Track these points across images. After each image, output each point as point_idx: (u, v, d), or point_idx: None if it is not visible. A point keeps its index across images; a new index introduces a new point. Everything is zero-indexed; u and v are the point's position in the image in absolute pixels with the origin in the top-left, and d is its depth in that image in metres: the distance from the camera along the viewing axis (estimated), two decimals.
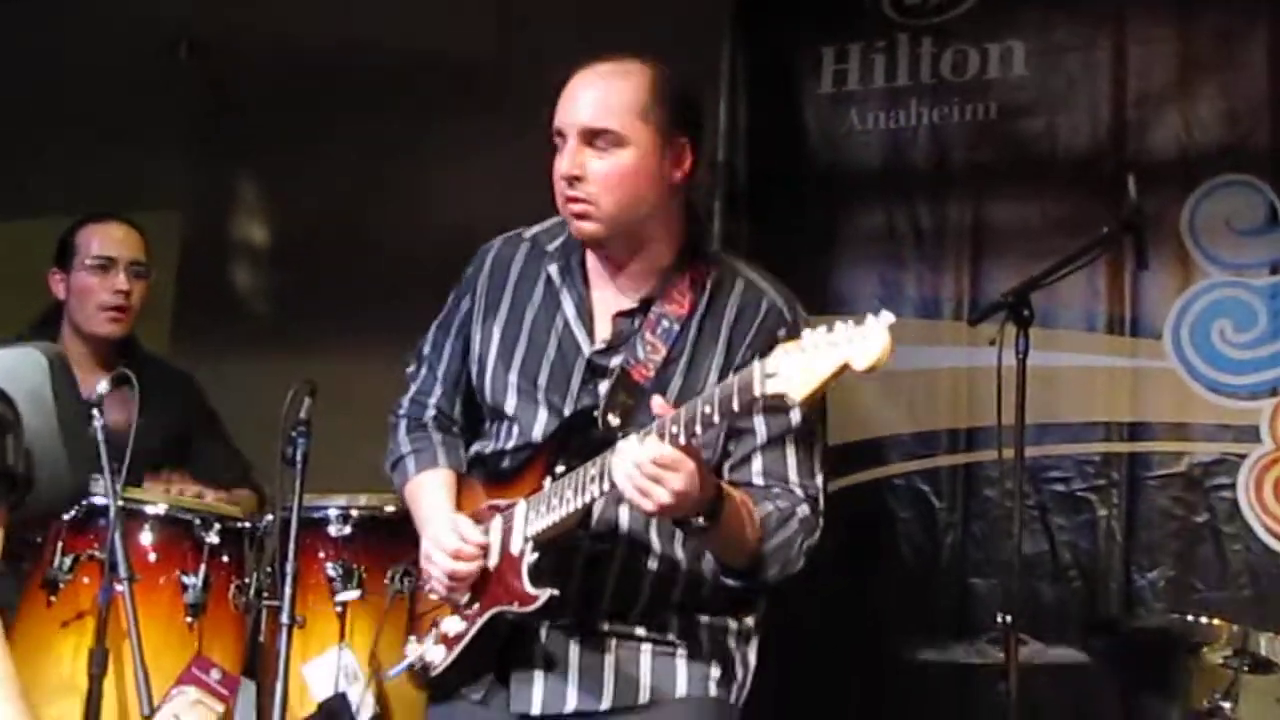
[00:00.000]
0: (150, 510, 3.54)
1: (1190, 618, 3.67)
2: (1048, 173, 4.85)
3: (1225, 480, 4.55)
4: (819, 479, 2.75)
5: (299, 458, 3.35)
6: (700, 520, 2.54)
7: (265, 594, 3.50)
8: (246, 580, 3.58)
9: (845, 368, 2.27)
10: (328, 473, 3.64)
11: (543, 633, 2.73)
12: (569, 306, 2.79)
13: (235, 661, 3.55)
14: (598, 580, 2.72)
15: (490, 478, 2.84)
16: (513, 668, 2.74)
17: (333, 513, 3.60)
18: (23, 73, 5.65)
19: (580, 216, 2.69)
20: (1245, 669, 3.32)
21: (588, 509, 2.62)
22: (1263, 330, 4.57)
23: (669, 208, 2.73)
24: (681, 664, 2.74)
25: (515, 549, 2.68)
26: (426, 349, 3.00)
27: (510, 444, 2.81)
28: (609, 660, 2.72)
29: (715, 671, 2.76)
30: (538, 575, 2.63)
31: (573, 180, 2.67)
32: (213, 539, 3.50)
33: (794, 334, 2.61)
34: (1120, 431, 4.68)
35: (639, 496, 2.47)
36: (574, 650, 2.72)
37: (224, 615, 3.53)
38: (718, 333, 2.72)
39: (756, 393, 2.35)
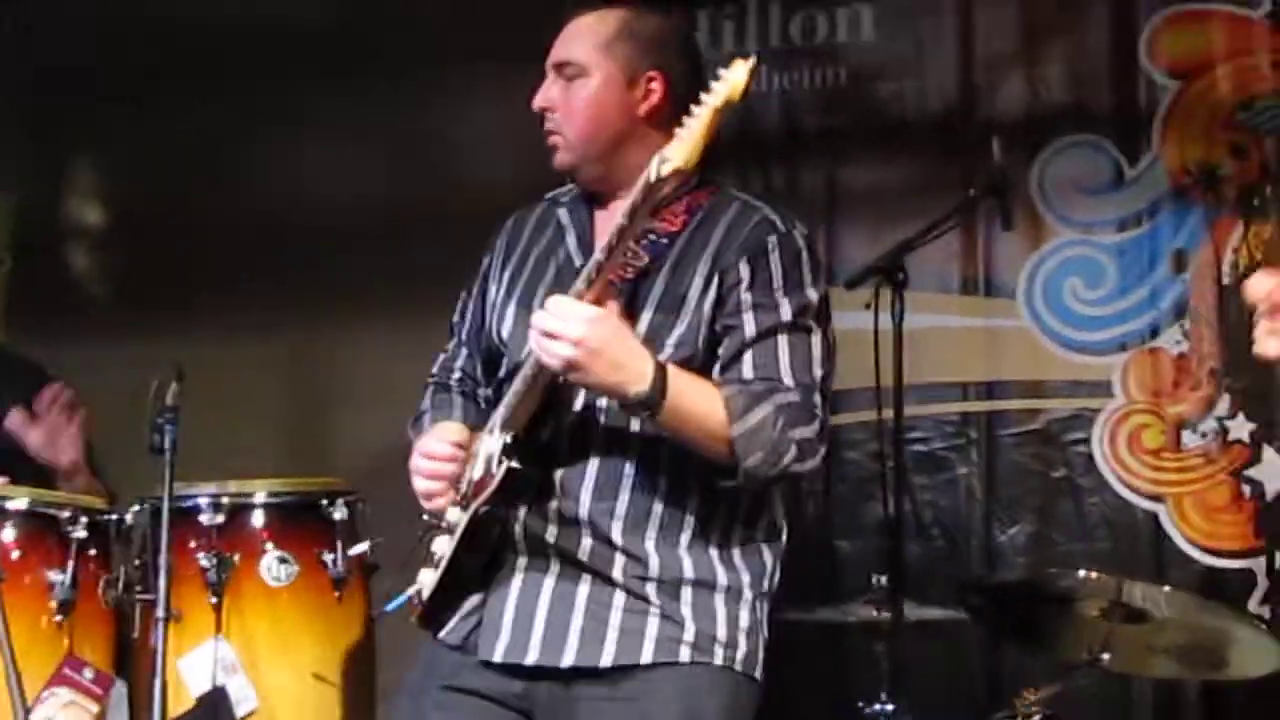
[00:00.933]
0: (11, 506, 3.39)
1: (1065, 571, 3.73)
2: (899, 137, 4.90)
3: (1080, 435, 4.66)
4: (817, 371, 2.66)
5: (167, 445, 3.25)
6: (636, 390, 2.50)
7: (136, 588, 3.40)
8: (115, 575, 3.46)
9: (715, 112, 2.40)
10: (184, 460, 3.56)
11: (520, 566, 2.69)
12: (571, 239, 2.83)
13: (107, 659, 3.43)
14: (578, 477, 2.67)
15: (489, 413, 2.82)
16: (487, 608, 2.71)
17: (203, 501, 3.49)
18: None
19: (552, 149, 2.79)
20: (1121, 619, 3.39)
21: (541, 388, 2.61)
22: (1112, 287, 4.68)
23: (647, 142, 2.68)
24: (653, 623, 2.64)
25: (493, 448, 2.68)
26: (455, 318, 3.04)
27: (505, 372, 2.80)
28: (578, 612, 2.65)
29: (689, 634, 2.64)
30: (505, 455, 2.63)
31: (544, 113, 2.78)
32: (79, 533, 3.37)
33: (787, 243, 2.67)
34: (978, 391, 4.77)
35: (544, 354, 2.51)
36: (546, 593, 2.67)
37: (94, 612, 3.41)
38: (706, 244, 2.68)
39: (653, 178, 2.43)
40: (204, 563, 3.42)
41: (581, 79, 2.74)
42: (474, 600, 2.74)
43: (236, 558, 3.46)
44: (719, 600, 2.68)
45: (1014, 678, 4.17)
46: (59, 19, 5.56)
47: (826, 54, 4.98)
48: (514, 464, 2.62)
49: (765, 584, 2.77)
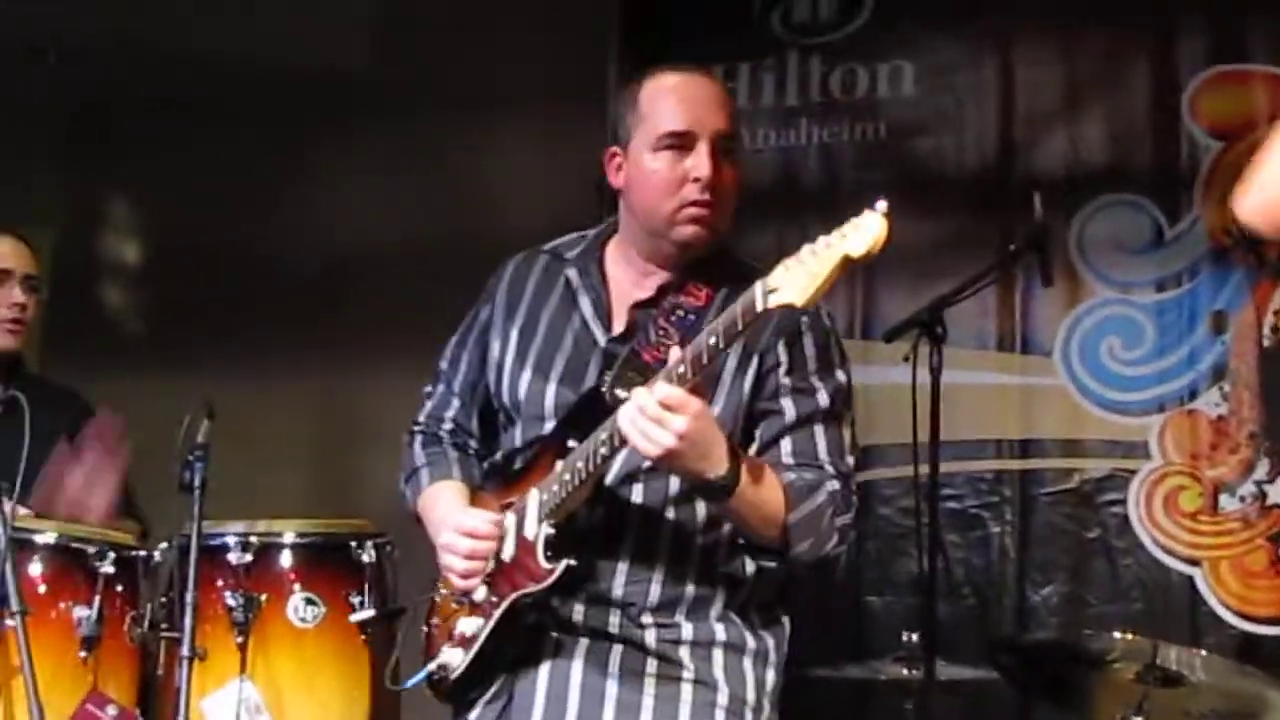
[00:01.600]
0: (40, 539, 3.38)
1: (1099, 632, 3.68)
2: (938, 192, 4.88)
3: (1116, 496, 4.61)
4: (850, 460, 2.69)
5: (197, 483, 3.23)
6: (715, 474, 2.48)
7: (162, 625, 3.37)
8: (141, 611, 3.44)
9: (846, 260, 2.29)
10: (211, 497, 3.54)
11: (549, 643, 2.67)
12: (586, 304, 2.78)
13: (131, 696, 3.40)
14: (610, 559, 2.65)
15: (503, 481, 2.80)
16: (518, 686, 2.69)
17: (231, 540, 3.47)
18: None
19: (701, 222, 2.68)
20: (1156, 683, 3.33)
21: (599, 475, 2.58)
22: (1150, 347, 4.64)
23: None
24: (687, 691, 2.64)
25: (530, 533, 2.63)
26: (444, 365, 2.97)
27: (521, 442, 2.77)
28: (611, 680, 2.64)
29: (723, 698, 2.65)
30: (555, 551, 2.59)
31: (710, 186, 2.66)
32: (107, 569, 3.35)
33: (817, 326, 2.69)
34: (1012, 449, 4.73)
35: (643, 440, 2.43)
36: (577, 671, 2.66)
37: (119, 648, 3.39)
38: None
39: (759, 308, 2.33)
40: (231, 602, 3.40)
41: (738, 157, 2.70)
42: (499, 682, 2.72)
43: (264, 598, 3.44)
44: (748, 664, 2.69)
45: None
46: (96, 56, 5.59)
47: (867, 109, 4.99)
48: (573, 561, 2.58)
49: (785, 648, 2.79)
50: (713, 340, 2.40)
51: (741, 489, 2.51)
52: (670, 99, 2.69)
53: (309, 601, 3.46)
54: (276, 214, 5.67)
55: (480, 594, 2.69)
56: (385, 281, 5.46)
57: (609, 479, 2.65)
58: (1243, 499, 4.50)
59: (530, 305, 2.83)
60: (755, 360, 2.65)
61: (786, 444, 2.65)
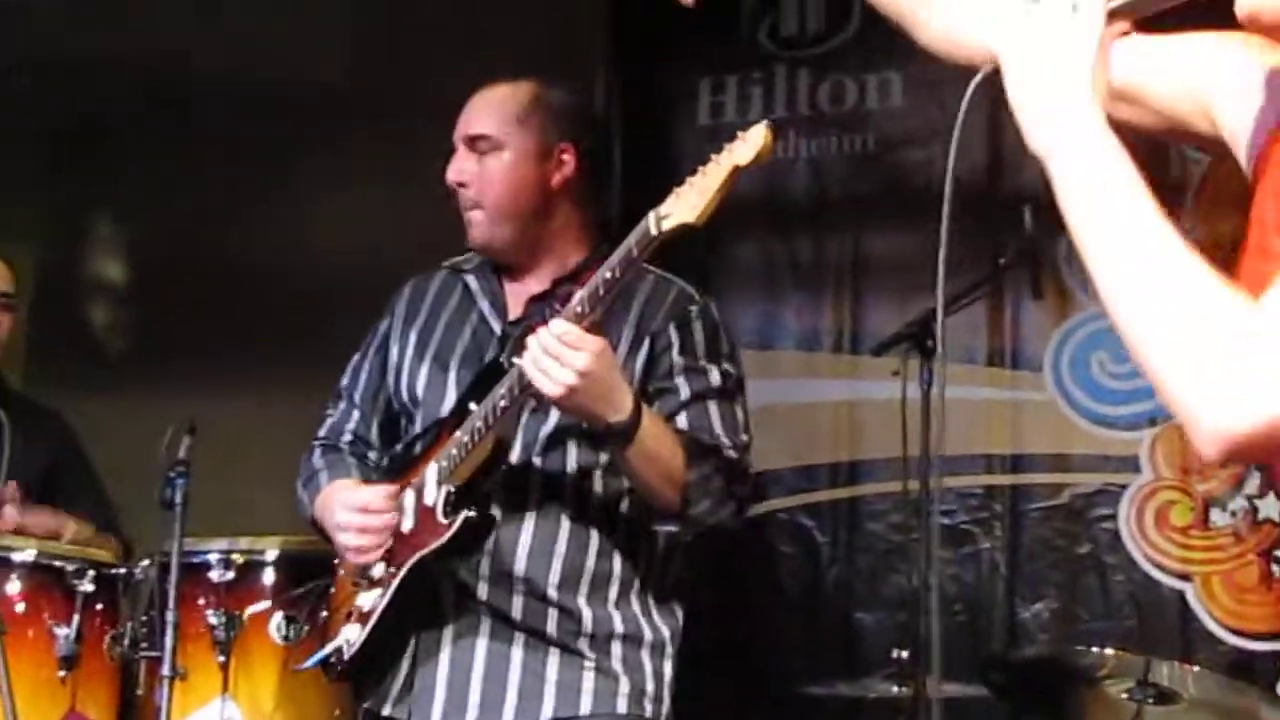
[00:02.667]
0: (17, 557, 3.35)
1: (1090, 648, 3.64)
2: (927, 205, 4.81)
3: (1107, 511, 4.57)
4: (744, 437, 2.75)
5: (178, 500, 3.19)
6: (617, 418, 2.50)
7: (142, 644, 3.33)
8: (121, 630, 3.39)
9: (735, 170, 2.35)
10: (192, 515, 3.50)
11: (450, 626, 2.69)
12: (483, 302, 2.87)
13: (111, 716, 3.37)
14: (512, 531, 2.68)
15: (403, 465, 2.83)
16: (419, 668, 2.70)
17: (213, 557, 3.44)
18: None
19: (469, 224, 2.81)
20: (1150, 701, 3.30)
21: (500, 436, 2.62)
22: None
23: (560, 213, 2.81)
24: (589, 676, 2.69)
25: (429, 500, 2.66)
26: (344, 380, 3.04)
27: (421, 427, 2.82)
28: (514, 668, 2.67)
29: (624, 686, 2.70)
30: (454, 507, 2.62)
31: (458, 187, 2.81)
32: (86, 587, 3.32)
33: (706, 314, 2.78)
34: (1002, 464, 4.69)
35: (543, 378, 2.48)
36: (481, 652, 2.68)
37: (99, 667, 3.35)
38: (627, 312, 2.76)
39: (654, 232, 2.41)
40: (212, 620, 3.36)
41: (496, 153, 2.78)
42: (402, 664, 2.73)
43: (245, 616, 3.39)
44: (645, 655, 2.74)
45: None
46: (78, 71, 5.55)
47: (855, 121, 4.95)
48: (471, 513, 2.60)
49: (679, 640, 2.82)
50: (609, 274, 2.46)
51: (642, 436, 2.54)
52: None
53: (290, 620, 3.42)
54: (262, 229, 5.63)
55: (378, 570, 2.72)
56: (374, 295, 5.41)
57: (512, 455, 2.68)
58: (1234, 514, 4.47)
59: (430, 309, 2.93)
60: (647, 341, 2.72)
61: (681, 419, 2.70)
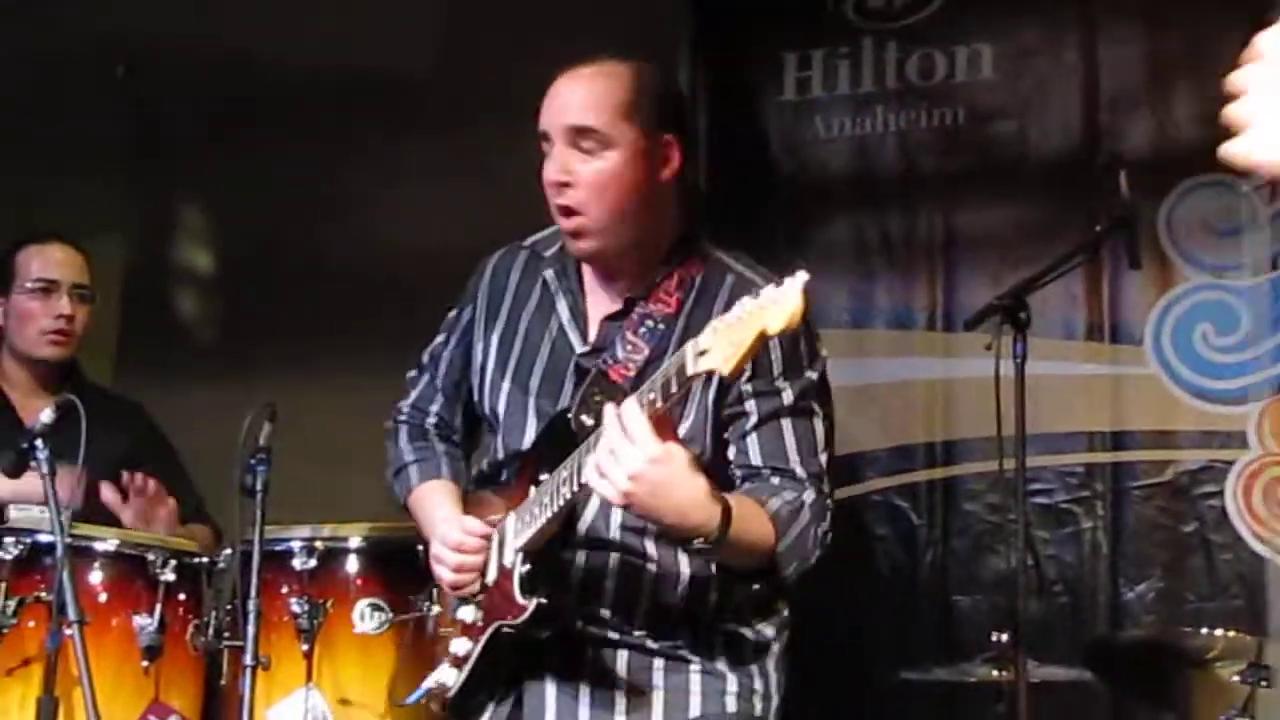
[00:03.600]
0: (100, 547, 3.32)
1: (1202, 630, 3.52)
2: (1019, 177, 4.73)
3: (1213, 488, 4.44)
4: (822, 458, 2.58)
5: (259, 486, 3.15)
6: (700, 543, 2.39)
7: (226, 634, 3.30)
8: (205, 619, 3.36)
9: (763, 334, 2.19)
10: (277, 502, 3.47)
11: (552, 656, 2.62)
12: (563, 309, 2.71)
13: (195, 707, 3.34)
14: (595, 590, 2.60)
15: (491, 490, 2.76)
16: (526, 686, 2.64)
17: (296, 545, 3.39)
18: None
19: (575, 234, 2.60)
20: (1263, 684, 3.18)
21: (566, 513, 2.51)
22: (1246, 333, 4.47)
23: (661, 211, 2.63)
24: (695, 679, 2.61)
25: (508, 562, 2.58)
26: (426, 358, 2.94)
27: (502, 455, 2.73)
28: (620, 674, 2.60)
29: (732, 685, 2.62)
30: (530, 586, 2.53)
31: (561, 186, 2.56)
32: (168, 576, 3.29)
33: None
34: (1103, 441, 4.56)
35: (596, 478, 2.34)
36: (586, 663, 2.61)
37: (182, 658, 3.32)
38: (703, 327, 2.54)
39: (690, 372, 2.25)
40: (296, 608, 3.32)
41: (604, 151, 2.55)
42: (507, 699, 2.67)
43: (329, 604, 3.35)
44: (750, 655, 2.67)
45: None
46: (172, 62, 5.56)
47: (944, 94, 4.83)
48: (544, 600, 2.52)
49: (786, 638, 2.73)
50: (650, 396, 2.30)
51: (731, 541, 2.40)
52: (546, 97, 2.64)
53: (375, 608, 3.38)
54: (344, 218, 5.62)
55: (469, 615, 2.65)
56: (453, 284, 5.39)
57: (587, 516, 2.59)
58: None
59: (511, 308, 2.77)
60: None
61: (753, 442, 2.56)
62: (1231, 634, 3.34)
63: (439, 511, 2.75)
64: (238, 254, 5.88)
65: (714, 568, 2.57)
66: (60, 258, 3.81)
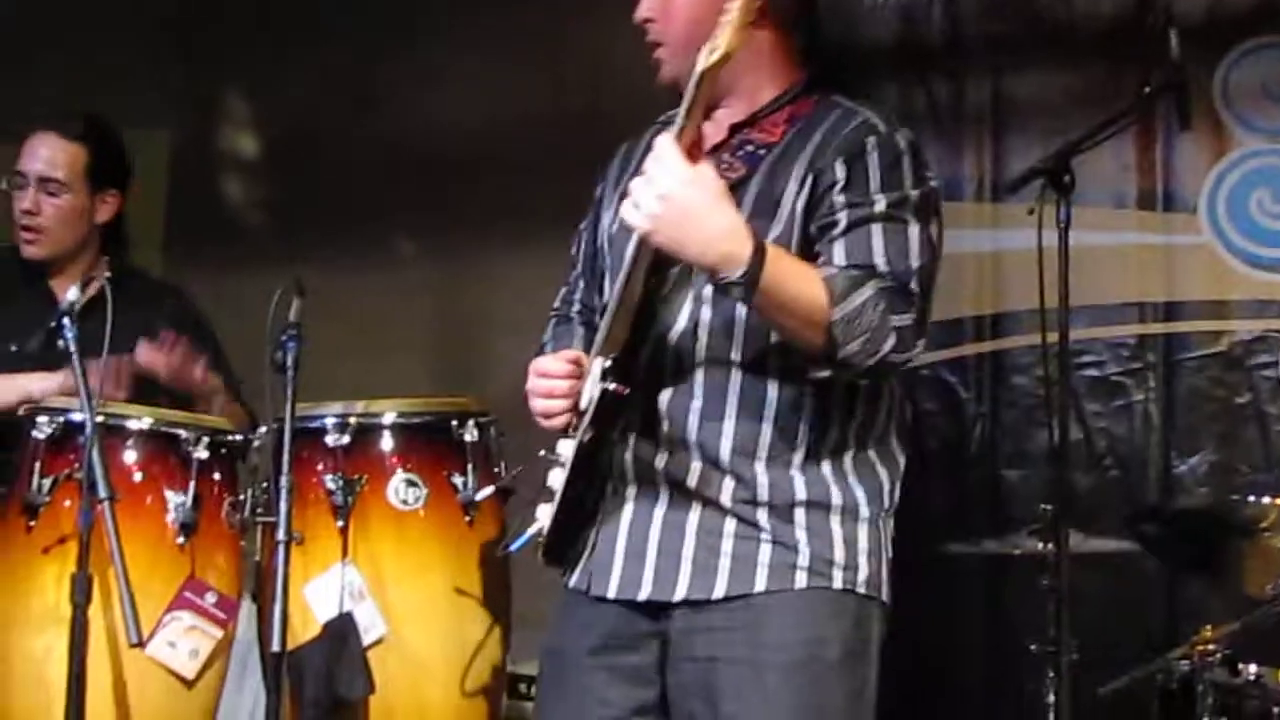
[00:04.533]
0: (132, 425, 3.31)
1: (1248, 498, 3.46)
2: (1068, 43, 4.61)
3: (1268, 358, 4.36)
4: (915, 261, 2.50)
5: (289, 363, 3.13)
6: (732, 274, 2.37)
7: (260, 510, 3.30)
8: (240, 497, 3.37)
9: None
10: (326, 385, 3.48)
11: (630, 496, 2.60)
12: None
13: (232, 583, 3.35)
14: (684, 398, 2.56)
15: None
16: (599, 543, 2.63)
17: (330, 421, 3.37)
18: None
19: (657, 63, 2.65)
20: None
21: (637, 293, 2.52)
22: None
23: (754, 41, 2.55)
24: (765, 552, 2.53)
25: (593, 374, 2.58)
26: (572, 249, 2.94)
27: (608, 295, 2.70)
28: (688, 541, 2.55)
29: (804, 559, 2.53)
30: (604, 375, 2.53)
31: (646, 23, 2.65)
32: (201, 454, 3.28)
33: (887, 145, 2.54)
34: (1155, 311, 4.49)
35: (629, 208, 2.42)
36: (657, 523, 2.57)
37: (218, 534, 3.32)
38: (803, 149, 2.57)
39: (702, 67, 2.38)
40: (330, 485, 3.32)
41: None
42: (588, 536, 2.65)
43: (363, 480, 3.34)
44: (835, 522, 2.56)
45: (1192, 614, 3.92)
46: None
47: None
48: (609, 385, 2.50)
49: (885, 500, 2.63)
50: (681, 123, 2.41)
51: (768, 284, 2.38)
52: None
53: (410, 483, 3.36)
54: (393, 101, 5.58)
55: (565, 448, 2.61)
56: (506, 163, 5.35)
57: (677, 315, 2.56)
58: None
59: (634, 172, 2.71)
60: (810, 179, 2.53)
61: (839, 247, 2.49)
62: (1277, 501, 3.26)
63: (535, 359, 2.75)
64: (287, 139, 5.85)
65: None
66: (34, 148, 3.74)
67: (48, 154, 3.75)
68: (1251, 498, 3.43)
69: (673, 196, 2.37)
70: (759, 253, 2.38)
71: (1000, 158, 4.62)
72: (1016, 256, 4.41)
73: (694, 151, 2.45)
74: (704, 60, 2.36)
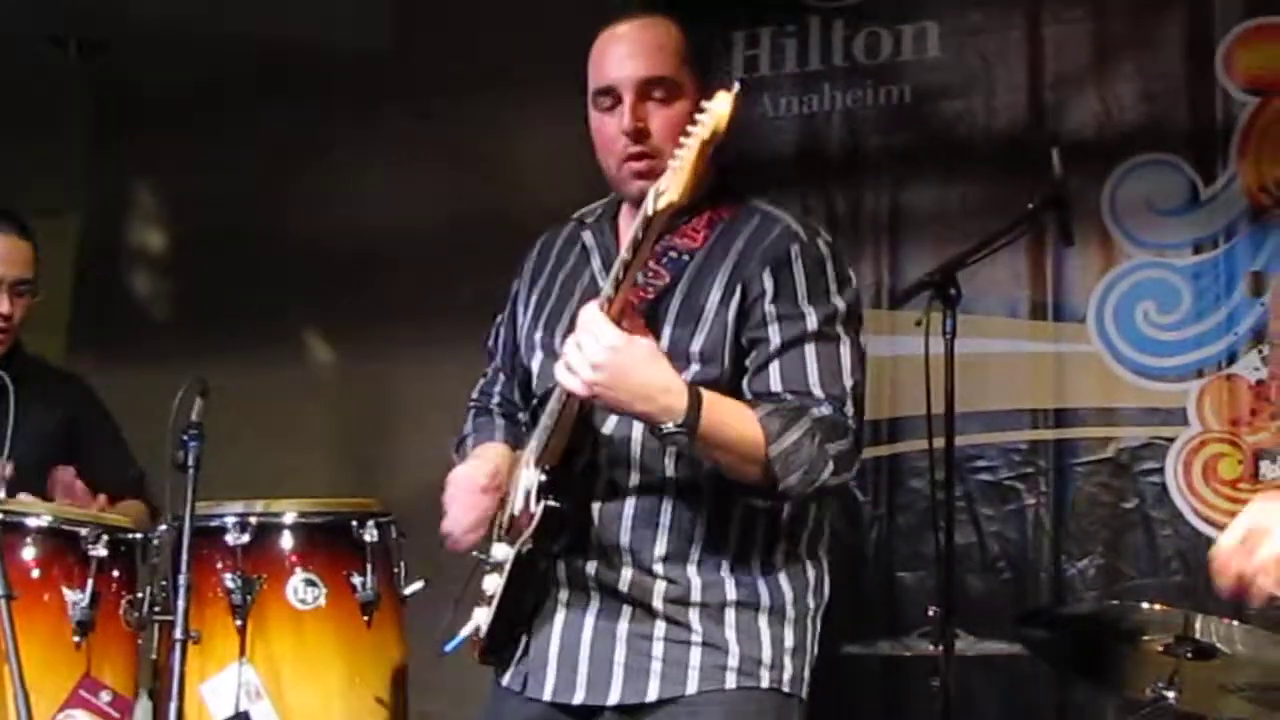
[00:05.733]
0: (31, 523, 3.30)
1: (1129, 603, 3.55)
2: (965, 156, 4.76)
3: (1154, 464, 4.48)
4: (846, 382, 2.55)
5: (190, 461, 3.16)
6: (667, 417, 2.41)
7: (159, 609, 3.30)
8: (139, 595, 3.37)
9: (704, 144, 2.28)
10: (234, 483, 3.49)
11: (563, 601, 2.64)
12: (596, 261, 2.74)
13: (128, 682, 3.33)
14: (615, 504, 2.60)
15: (521, 440, 2.79)
16: (533, 646, 2.66)
17: (230, 520, 3.38)
18: None
19: (645, 175, 2.60)
20: (1187, 656, 3.20)
21: (574, 414, 2.54)
22: (1186, 311, 4.51)
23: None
24: (695, 655, 2.58)
25: (527, 482, 2.61)
26: (490, 343, 2.99)
27: (537, 399, 2.74)
28: (619, 646, 2.59)
29: (733, 660, 2.57)
30: (541, 493, 2.56)
31: (638, 135, 2.61)
32: (100, 552, 3.27)
33: (809, 252, 2.59)
34: (1046, 418, 4.60)
35: (564, 374, 2.44)
36: (588, 628, 2.61)
37: (115, 633, 3.31)
38: (725, 255, 2.61)
39: (649, 211, 2.33)
40: (229, 584, 3.32)
41: (677, 99, 2.59)
42: (521, 639, 2.69)
43: (262, 579, 3.35)
44: (763, 621, 2.61)
45: (1079, 716, 4.01)
46: (123, 40, 5.54)
47: (891, 72, 4.87)
48: (552, 502, 2.54)
49: (811, 600, 2.69)
50: (624, 255, 2.40)
51: (706, 431, 2.43)
52: (597, 55, 2.67)
53: (309, 583, 3.38)
54: (303, 197, 5.63)
55: (500, 551, 2.65)
56: (412, 263, 5.41)
57: (606, 425, 2.59)
58: None
59: (551, 270, 2.83)
60: (738, 291, 2.57)
61: (774, 369, 2.55)
62: (1162, 607, 3.35)
63: (463, 463, 2.78)
64: (196, 232, 5.88)
65: (731, 499, 2.54)
66: (3, 252, 3.76)
67: (18, 256, 3.74)
68: (1143, 604, 3.50)
69: (606, 365, 2.41)
70: (695, 403, 2.42)
71: (897, 265, 4.75)
72: (911, 363, 4.49)
73: (629, 318, 2.47)
74: (651, 204, 2.34)
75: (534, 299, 2.82)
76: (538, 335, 2.77)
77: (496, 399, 2.94)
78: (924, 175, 4.81)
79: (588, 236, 2.79)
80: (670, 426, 2.42)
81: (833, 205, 4.85)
